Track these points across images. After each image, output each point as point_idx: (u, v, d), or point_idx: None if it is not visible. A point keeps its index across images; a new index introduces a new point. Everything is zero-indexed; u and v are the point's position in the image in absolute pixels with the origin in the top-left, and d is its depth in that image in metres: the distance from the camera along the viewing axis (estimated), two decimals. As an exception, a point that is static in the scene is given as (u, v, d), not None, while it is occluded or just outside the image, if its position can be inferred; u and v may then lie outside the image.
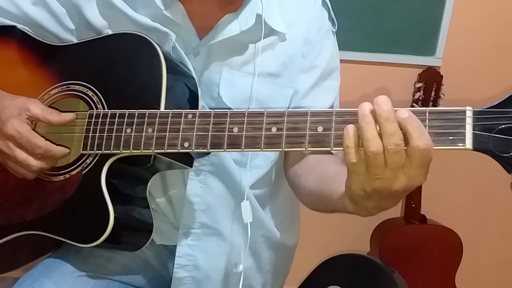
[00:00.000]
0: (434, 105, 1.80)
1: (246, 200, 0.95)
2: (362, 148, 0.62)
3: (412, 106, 1.82)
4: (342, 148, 0.65)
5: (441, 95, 1.81)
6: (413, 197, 1.95)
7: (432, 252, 1.91)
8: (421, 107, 1.79)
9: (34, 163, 0.83)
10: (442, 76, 1.81)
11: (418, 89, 1.81)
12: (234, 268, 1.02)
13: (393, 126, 0.61)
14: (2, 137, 0.83)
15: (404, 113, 0.61)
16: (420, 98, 1.80)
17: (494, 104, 0.62)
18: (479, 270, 2.11)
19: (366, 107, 0.62)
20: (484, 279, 2.15)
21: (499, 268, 2.15)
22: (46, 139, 0.84)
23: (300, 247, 1.20)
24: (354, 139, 0.63)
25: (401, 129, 0.61)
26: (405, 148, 0.61)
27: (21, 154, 0.82)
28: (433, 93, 1.80)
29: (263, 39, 0.93)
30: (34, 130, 0.87)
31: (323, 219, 1.96)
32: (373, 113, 0.61)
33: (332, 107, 1.02)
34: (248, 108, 0.92)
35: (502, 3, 1.85)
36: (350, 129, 0.63)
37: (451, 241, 1.90)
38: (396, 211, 2.04)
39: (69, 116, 0.86)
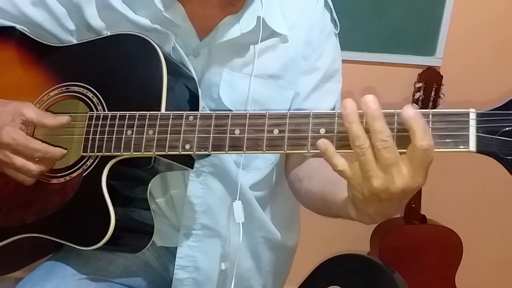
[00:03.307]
0: (434, 105, 1.80)
1: (239, 200, 0.95)
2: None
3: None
4: (345, 151, 0.65)
5: (441, 95, 1.81)
6: (413, 197, 1.93)
7: (432, 252, 1.91)
8: (421, 107, 1.79)
9: (33, 167, 0.82)
10: (442, 76, 1.81)
11: (418, 89, 1.81)
12: (221, 264, 1.02)
13: (379, 123, 0.61)
14: None
15: (410, 110, 0.61)
16: (420, 98, 1.80)
17: (498, 106, 0.61)
18: (479, 270, 2.11)
19: (348, 105, 0.63)
20: (484, 279, 2.15)
21: (499, 268, 2.15)
22: (43, 142, 0.84)
23: (300, 247, 1.20)
24: (330, 149, 0.64)
25: (406, 127, 0.61)
26: (405, 150, 0.61)
27: (19, 161, 0.82)
28: (433, 93, 1.80)
29: (265, 40, 0.93)
30: (32, 133, 0.86)
31: (323, 219, 1.95)
32: (355, 112, 0.63)
33: (333, 109, 1.01)
34: (247, 110, 0.92)
35: (502, 3, 1.85)
36: (321, 143, 0.65)
37: (451, 241, 1.90)
38: (396, 211, 2.05)
39: (64, 119, 0.86)
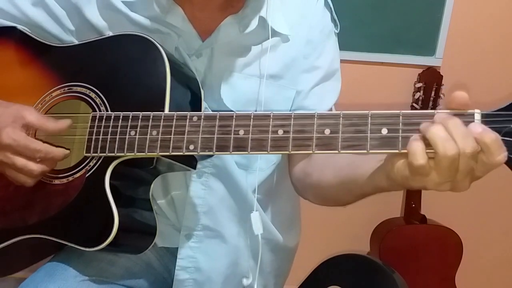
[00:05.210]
0: (434, 105, 1.80)
1: (256, 211, 0.95)
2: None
3: (412, 106, 1.82)
4: (350, 151, 0.65)
5: (441, 95, 1.81)
6: (413, 197, 1.95)
7: (432, 252, 1.91)
8: (421, 107, 1.80)
9: (35, 167, 0.82)
10: (442, 76, 1.81)
11: (418, 89, 1.81)
12: (243, 280, 1.01)
13: (464, 129, 0.60)
14: None
15: (477, 127, 0.59)
16: (420, 98, 1.80)
17: (502, 107, 0.61)
18: (479, 270, 2.11)
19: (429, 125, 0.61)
20: (484, 279, 2.15)
21: (499, 268, 2.15)
22: (45, 142, 0.83)
23: (300, 247, 1.20)
24: (422, 140, 0.61)
25: (479, 144, 0.59)
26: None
27: (20, 161, 0.81)
28: (433, 93, 1.80)
29: (266, 40, 0.93)
30: (34, 134, 0.86)
31: (323, 219, 1.97)
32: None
33: (332, 108, 1.02)
34: (251, 110, 0.92)
35: (502, 3, 1.85)
36: (415, 145, 0.61)
37: (451, 241, 1.90)
38: (396, 211, 2.05)
39: (64, 123, 0.85)
